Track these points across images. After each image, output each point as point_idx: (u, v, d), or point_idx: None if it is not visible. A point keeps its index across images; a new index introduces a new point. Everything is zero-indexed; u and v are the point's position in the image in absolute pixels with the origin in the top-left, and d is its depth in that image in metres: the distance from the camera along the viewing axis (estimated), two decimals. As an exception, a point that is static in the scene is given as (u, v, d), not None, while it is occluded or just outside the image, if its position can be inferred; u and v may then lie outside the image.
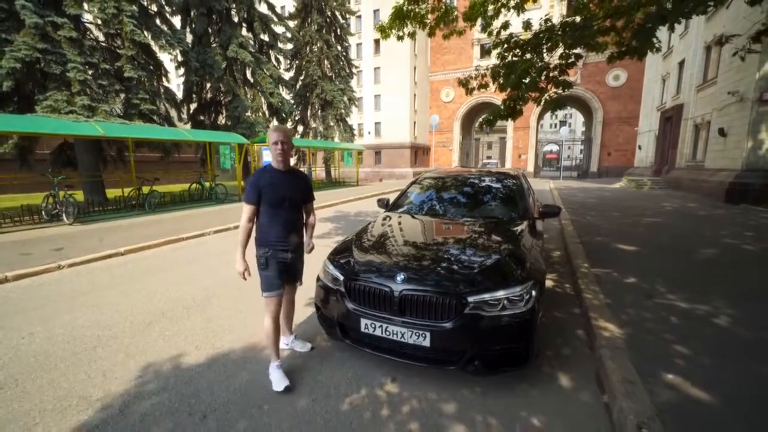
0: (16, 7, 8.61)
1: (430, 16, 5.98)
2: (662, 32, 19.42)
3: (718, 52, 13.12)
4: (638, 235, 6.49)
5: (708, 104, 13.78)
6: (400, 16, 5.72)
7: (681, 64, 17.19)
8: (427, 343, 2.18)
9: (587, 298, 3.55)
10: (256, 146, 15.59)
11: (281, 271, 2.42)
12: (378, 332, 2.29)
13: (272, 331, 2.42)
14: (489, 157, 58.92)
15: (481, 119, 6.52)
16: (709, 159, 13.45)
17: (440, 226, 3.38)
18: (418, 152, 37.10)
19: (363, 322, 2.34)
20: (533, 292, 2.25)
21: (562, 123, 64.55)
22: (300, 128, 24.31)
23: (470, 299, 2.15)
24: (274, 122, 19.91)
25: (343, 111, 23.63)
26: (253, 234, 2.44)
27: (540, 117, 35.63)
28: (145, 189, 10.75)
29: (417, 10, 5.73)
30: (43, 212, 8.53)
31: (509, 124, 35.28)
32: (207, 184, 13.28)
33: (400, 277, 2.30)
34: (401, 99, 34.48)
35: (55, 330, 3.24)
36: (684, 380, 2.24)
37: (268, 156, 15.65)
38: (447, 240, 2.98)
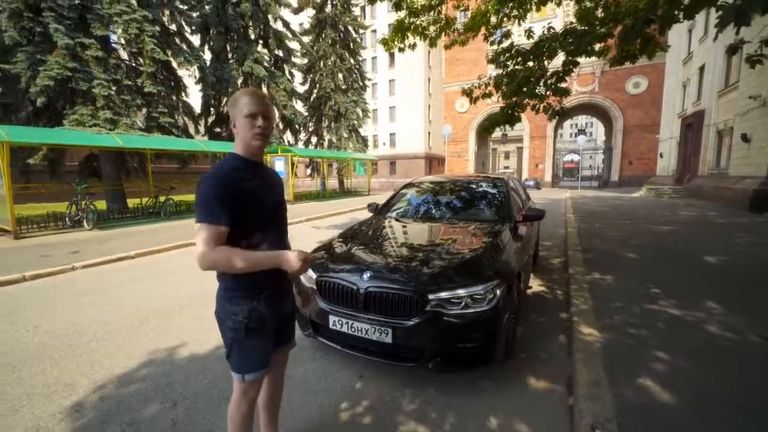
0: (50, 29, 9.36)
1: (431, 27, 6.14)
2: (682, 37, 18.94)
3: (739, 55, 12.68)
4: (644, 243, 6.29)
5: (730, 110, 13.28)
6: (401, 29, 5.91)
7: (701, 69, 16.69)
8: (389, 339, 2.21)
9: (575, 304, 3.49)
10: (269, 156, 16.04)
11: (277, 330, 1.53)
12: (345, 329, 2.35)
13: (245, 427, 1.51)
14: (506, 167, 58.38)
15: (481, 127, 6.50)
16: (732, 166, 12.91)
17: (419, 228, 3.43)
18: (433, 162, 37.18)
19: (332, 318, 2.40)
20: (497, 292, 2.25)
21: (581, 131, 63.16)
22: (314, 139, 24.87)
23: (431, 297, 2.18)
24: (288, 134, 20.33)
25: (356, 122, 24.09)
26: (218, 283, 1.42)
27: (558, 126, 35.10)
28: (162, 198, 11.26)
29: (417, 22, 5.92)
30: (66, 218, 9.06)
31: (526, 134, 34.91)
32: (222, 193, 13.69)
33: (366, 274, 2.36)
34: (416, 110, 34.86)
35: (57, 325, 3.45)
36: (654, 384, 2.18)
37: (280, 166, 15.85)
38: (421, 241, 3.02)
